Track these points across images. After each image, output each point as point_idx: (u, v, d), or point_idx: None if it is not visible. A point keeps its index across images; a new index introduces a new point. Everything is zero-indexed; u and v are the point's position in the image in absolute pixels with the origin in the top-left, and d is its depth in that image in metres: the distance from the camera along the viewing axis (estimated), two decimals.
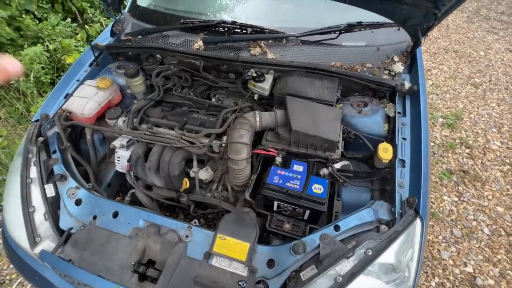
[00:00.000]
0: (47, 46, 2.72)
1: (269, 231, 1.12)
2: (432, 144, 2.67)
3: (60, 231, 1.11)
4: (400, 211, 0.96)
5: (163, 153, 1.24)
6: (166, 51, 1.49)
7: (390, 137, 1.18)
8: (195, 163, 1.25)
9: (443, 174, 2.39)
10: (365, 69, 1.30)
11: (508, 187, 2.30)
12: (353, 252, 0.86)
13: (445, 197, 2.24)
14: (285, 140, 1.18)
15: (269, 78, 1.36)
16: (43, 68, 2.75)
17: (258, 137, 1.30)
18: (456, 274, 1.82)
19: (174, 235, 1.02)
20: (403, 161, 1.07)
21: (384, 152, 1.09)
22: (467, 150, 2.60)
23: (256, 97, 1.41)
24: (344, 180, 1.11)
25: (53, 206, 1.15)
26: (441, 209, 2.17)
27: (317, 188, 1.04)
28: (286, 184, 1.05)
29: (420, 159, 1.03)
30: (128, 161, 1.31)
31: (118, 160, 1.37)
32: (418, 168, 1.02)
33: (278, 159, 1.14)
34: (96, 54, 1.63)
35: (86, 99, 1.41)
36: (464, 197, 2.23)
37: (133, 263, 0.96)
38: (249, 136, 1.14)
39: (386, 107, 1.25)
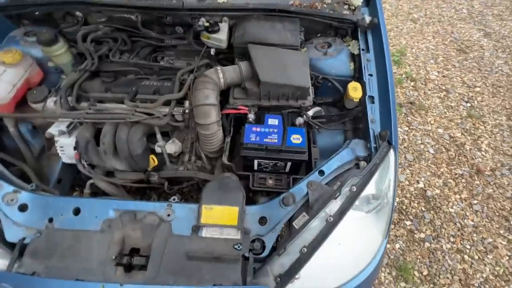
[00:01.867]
0: None
1: (253, 191, 1.10)
2: None
3: (9, 245, 0.92)
4: (375, 145, 1.00)
5: (117, 131, 1.06)
6: (88, 5, 1.18)
7: (357, 76, 1.17)
8: (158, 136, 1.10)
9: None
10: (325, 5, 1.21)
11: (445, 110, 2.63)
12: (339, 192, 0.89)
13: (398, 129, 2.48)
14: (254, 94, 1.10)
15: (224, 27, 1.19)
16: None
17: (223, 96, 1.18)
18: (411, 192, 2.13)
19: (154, 218, 0.93)
20: (372, 97, 1.08)
21: (354, 91, 1.08)
22: (412, 83, 2.85)
23: (212, 51, 1.25)
24: (320, 126, 1.10)
25: None
26: None
27: (296, 139, 1.01)
28: (264, 140, 1.00)
29: (388, 93, 1.06)
30: (75, 149, 1.10)
31: (62, 150, 1.14)
32: (386, 102, 1.05)
33: (251, 116, 1.06)
34: None
35: None
36: (412, 126, 2.50)
37: (113, 257, 0.86)
38: (215, 95, 1.02)
39: (349, 45, 1.22)
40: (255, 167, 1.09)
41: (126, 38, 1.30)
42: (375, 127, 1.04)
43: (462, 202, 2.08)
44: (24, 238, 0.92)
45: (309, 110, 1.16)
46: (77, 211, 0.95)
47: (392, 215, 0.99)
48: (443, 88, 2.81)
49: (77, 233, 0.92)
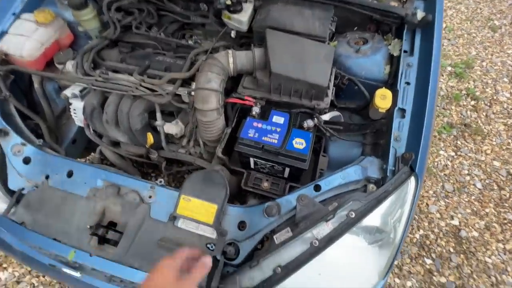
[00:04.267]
0: None
1: (246, 190, 1.01)
2: None
3: (10, 192, 0.99)
4: (393, 168, 0.82)
5: (120, 103, 1.05)
6: None
7: (391, 82, 0.98)
8: (158, 115, 1.07)
9: (443, 128, 2.24)
10: None
11: (510, 141, 2.18)
12: (333, 215, 0.75)
13: (441, 152, 2.13)
14: (264, 86, 0.98)
15: (248, 7, 1.09)
16: None
17: (236, 83, 1.09)
18: (441, 227, 1.83)
19: (135, 196, 0.91)
20: (403, 111, 0.89)
21: (382, 99, 0.90)
22: (472, 102, 2.41)
23: (233, 34, 1.15)
24: (332, 134, 0.95)
25: (0, 164, 1.01)
26: (436, 163, 2.08)
27: (299, 143, 0.88)
28: (263, 138, 0.90)
29: (424, 108, 0.86)
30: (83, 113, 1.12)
31: (74, 113, 1.19)
32: (420, 119, 0.86)
33: (256, 110, 0.96)
34: None
35: (24, 37, 1.14)
36: (461, 152, 2.13)
37: (89, 226, 0.86)
38: (219, 81, 0.94)
39: (390, 44, 1.01)
40: (252, 166, 1.00)
41: (153, 10, 1.27)
42: (398, 146, 0.85)
43: (505, 254, 1.72)
44: (23, 189, 0.98)
45: (325, 113, 1.01)
46: (70, 174, 0.97)
47: (397, 256, 0.82)
48: None
49: (66, 195, 0.94)
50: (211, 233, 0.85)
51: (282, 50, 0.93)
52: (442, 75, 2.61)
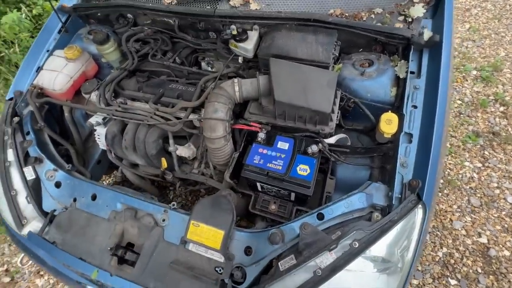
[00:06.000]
0: (30, 11, 2.53)
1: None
2: (459, 102, 2.32)
3: (44, 213, 1.11)
4: (399, 195, 0.81)
5: (137, 131, 1.14)
6: (134, 9, 1.27)
7: (398, 105, 0.96)
8: (171, 141, 1.14)
9: (468, 137, 2.11)
10: (373, 16, 1.02)
11: None
12: (336, 244, 0.76)
13: (466, 163, 2.01)
14: (269, 112, 1.02)
15: (253, 35, 1.13)
16: (32, 36, 2.61)
17: (244, 108, 1.14)
18: (467, 245, 1.71)
19: (150, 219, 0.98)
20: (410, 135, 0.87)
21: (387, 124, 0.89)
22: (501, 108, 2.24)
23: (240, 60, 1.20)
24: (337, 158, 0.96)
25: (36, 188, 1.14)
26: (460, 176, 1.96)
27: (303, 170, 0.90)
28: (267, 165, 0.93)
29: (432, 133, 0.84)
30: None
31: (98, 138, 1.30)
32: (428, 144, 0.83)
33: (261, 135, 0.99)
34: (64, 19, 1.45)
35: (55, 73, 1.29)
36: (489, 163, 1.99)
37: (109, 248, 0.94)
38: (226, 110, 0.99)
39: (396, 65, 1.00)
40: (259, 189, 1.03)
41: (167, 39, 1.36)
42: (405, 173, 0.84)
43: None
44: (54, 210, 1.10)
45: (330, 136, 1.02)
46: (94, 197, 1.07)
47: (407, 283, 0.80)
48: None
49: (90, 216, 1.04)
50: (219, 257, 0.89)
51: (286, 78, 0.95)
52: (467, 80, 2.46)
